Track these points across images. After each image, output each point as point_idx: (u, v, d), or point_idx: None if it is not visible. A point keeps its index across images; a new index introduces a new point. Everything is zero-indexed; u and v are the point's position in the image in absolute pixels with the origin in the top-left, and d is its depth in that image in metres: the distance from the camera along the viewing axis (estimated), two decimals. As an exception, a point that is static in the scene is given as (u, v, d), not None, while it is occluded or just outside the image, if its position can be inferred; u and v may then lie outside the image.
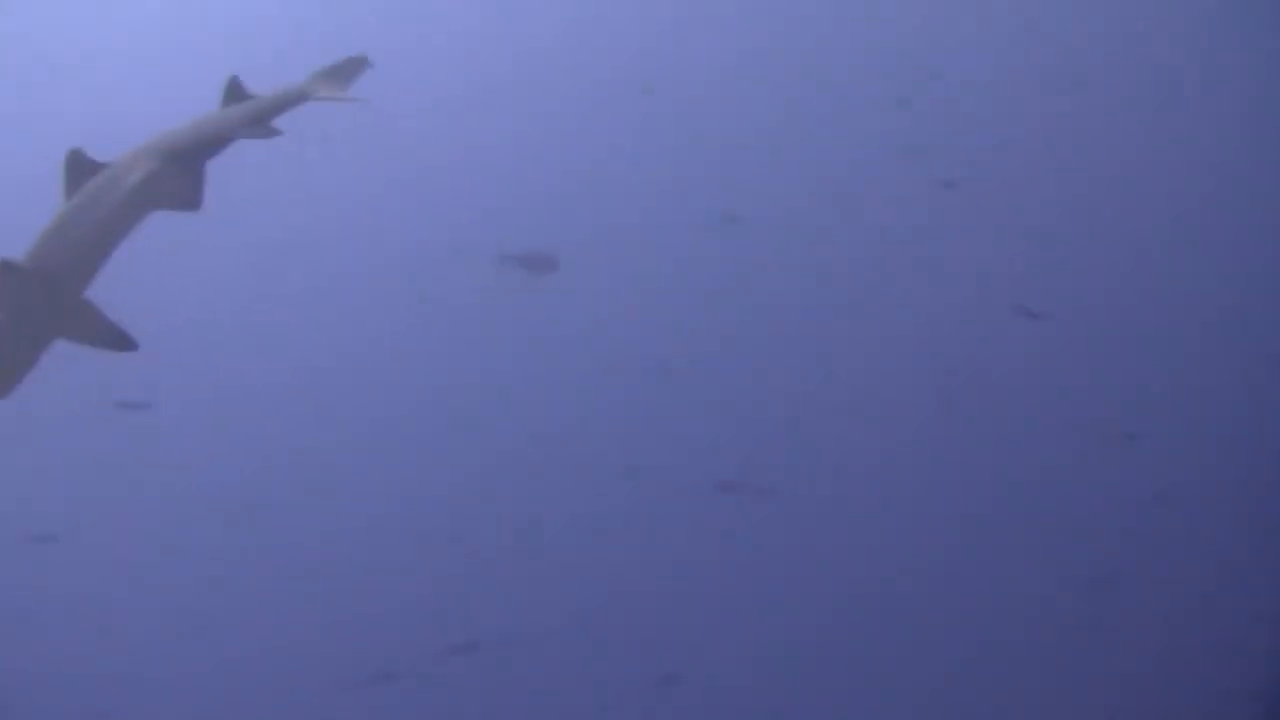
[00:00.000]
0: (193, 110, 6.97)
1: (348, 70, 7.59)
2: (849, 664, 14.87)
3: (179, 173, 6.70)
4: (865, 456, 15.37)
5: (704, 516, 15.44)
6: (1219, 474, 15.44)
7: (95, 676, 14.90)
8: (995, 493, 15.36)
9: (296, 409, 15.82)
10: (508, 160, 16.32)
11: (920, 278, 16.10)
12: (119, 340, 6.77)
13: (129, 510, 15.38)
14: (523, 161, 16.28)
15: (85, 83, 15.29)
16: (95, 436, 15.48)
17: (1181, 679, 14.19)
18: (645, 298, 16.16)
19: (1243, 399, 15.52)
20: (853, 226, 16.25)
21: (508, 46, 16.69)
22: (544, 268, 14.94)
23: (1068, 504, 15.47)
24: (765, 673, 15.01)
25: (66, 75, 15.45)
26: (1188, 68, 16.39)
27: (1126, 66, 16.32)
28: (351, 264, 16.19)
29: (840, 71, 16.32)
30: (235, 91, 7.09)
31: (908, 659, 15.02)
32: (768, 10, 17.07)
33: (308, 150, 15.38)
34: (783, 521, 15.59)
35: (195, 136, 6.84)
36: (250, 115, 6.95)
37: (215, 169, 6.89)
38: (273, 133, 7.00)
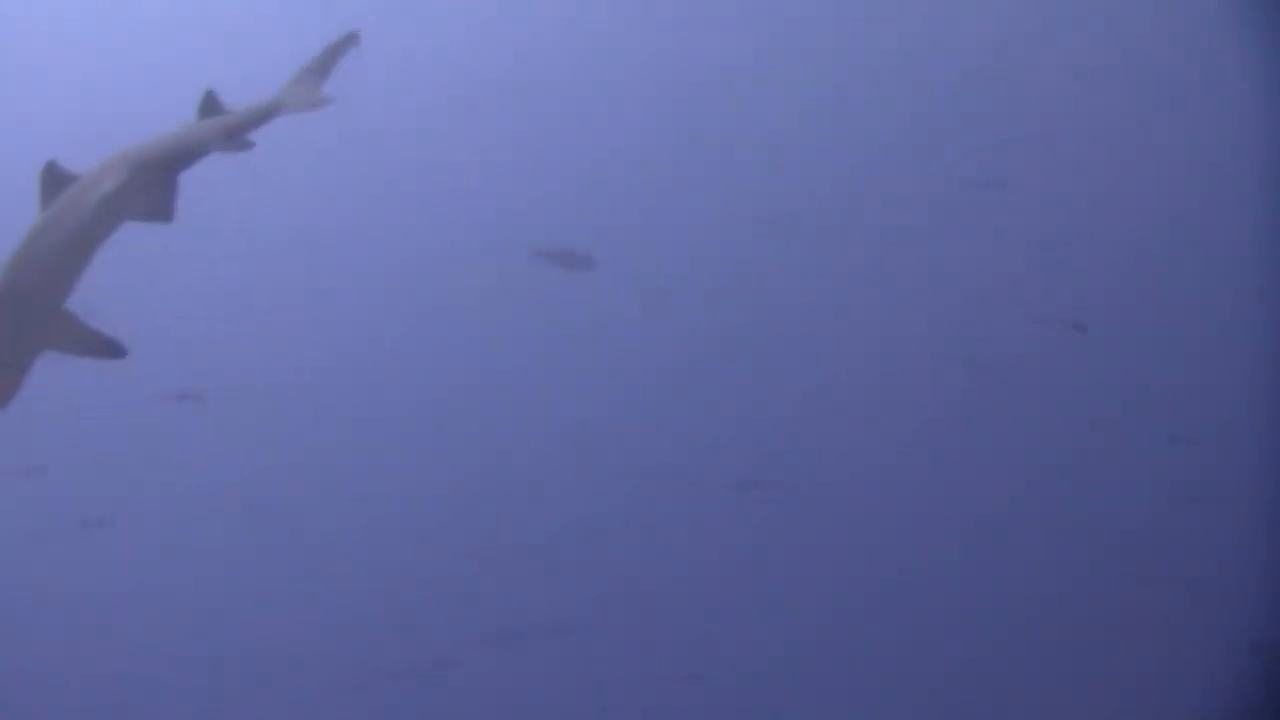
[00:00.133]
0: (169, 119, 7.03)
1: (324, 64, 7.52)
2: (871, 660, 14.91)
3: (150, 183, 6.74)
4: (891, 455, 15.36)
5: (727, 514, 15.53)
6: (1258, 474, 15.26)
7: (137, 659, 15.37)
8: (1026, 494, 15.28)
9: (331, 405, 16.13)
10: (537, 158, 16.44)
11: (953, 277, 16.02)
12: (106, 347, 6.85)
13: (175, 500, 15.81)
14: (551, 159, 16.39)
15: (63, 86, 15.49)
16: (147, 426, 15.93)
17: (1220, 678, 14.06)
18: (668, 296, 16.23)
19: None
20: (883, 226, 16.21)
21: (546, 43, 16.79)
22: (578, 265, 15.06)
23: (1106, 504, 15.37)
24: (789, 668, 15.08)
25: (45, 77, 15.66)
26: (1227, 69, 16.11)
27: (1160, 67, 16.10)
28: (383, 262, 16.43)
29: (876, 71, 16.27)
30: (210, 105, 7.09)
31: (932, 657, 15.00)
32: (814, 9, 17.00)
33: (341, 149, 15.74)
34: (806, 519, 15.63)
35: (168, 148, 6.87)
36: (224, 129, 6.98)
37: (189, 179, 6.94)
38: (247, 146, 7.02)
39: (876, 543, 15.15)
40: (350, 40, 7.58)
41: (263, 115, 7.20)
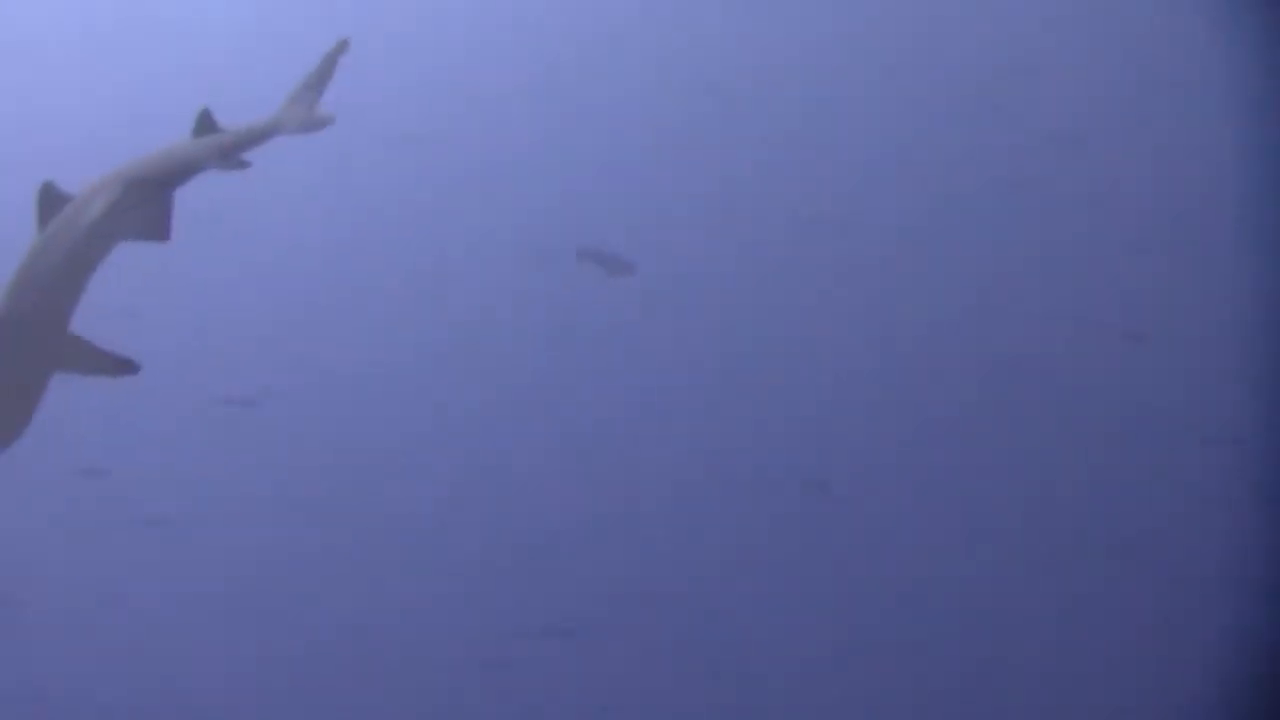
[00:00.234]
0: (164, 137, 6.99)
1: (319, 79, 7.45)
2: (920, 660, 14.87)
3: (144, 202, 6.70)
4: (922, 455, 15.28)
5: (780, 513, 15.55)
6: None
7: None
8: (1061, 498, 15.15)
9: (377, 407, 16.35)
10: (587, 160, 16.49)
11: (1007, 284, 15.87)
12: (117, 365, 6.78)
13: (231, 500, 16.15)
14: (601, 161, 16.44)
15: (61, 104, 15.67)
16: (203, 429, 16.29)
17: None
18: (725, 298, 16.23)
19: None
20: (939, 230, 16.09)
21: (594, 50, 16.85)
22: (619, 269, 15.16)
23: (1147, 506, 15.19)
24: (843, 667, 15.07)
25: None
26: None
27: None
28: (431, 265, 16.59)
29: (924, 73, 16.15)
30: (206, 123, 7.04)
31: (985, 658, 14.92)
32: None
33: (385, 153, 15.91)
34: (862, 521, 15.61)
35: (161, 166, 6.82)
36: (220, 148, 6.94)
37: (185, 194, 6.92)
38: (242, 165, 6.99)
39: (904, 541, 15.11)
40: (341, 49, 7.47)
41: (259, 136, 7.17)
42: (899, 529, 15.27)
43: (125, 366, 6.80)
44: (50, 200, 6.65)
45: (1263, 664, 13.56)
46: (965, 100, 16.11)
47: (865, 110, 16.39)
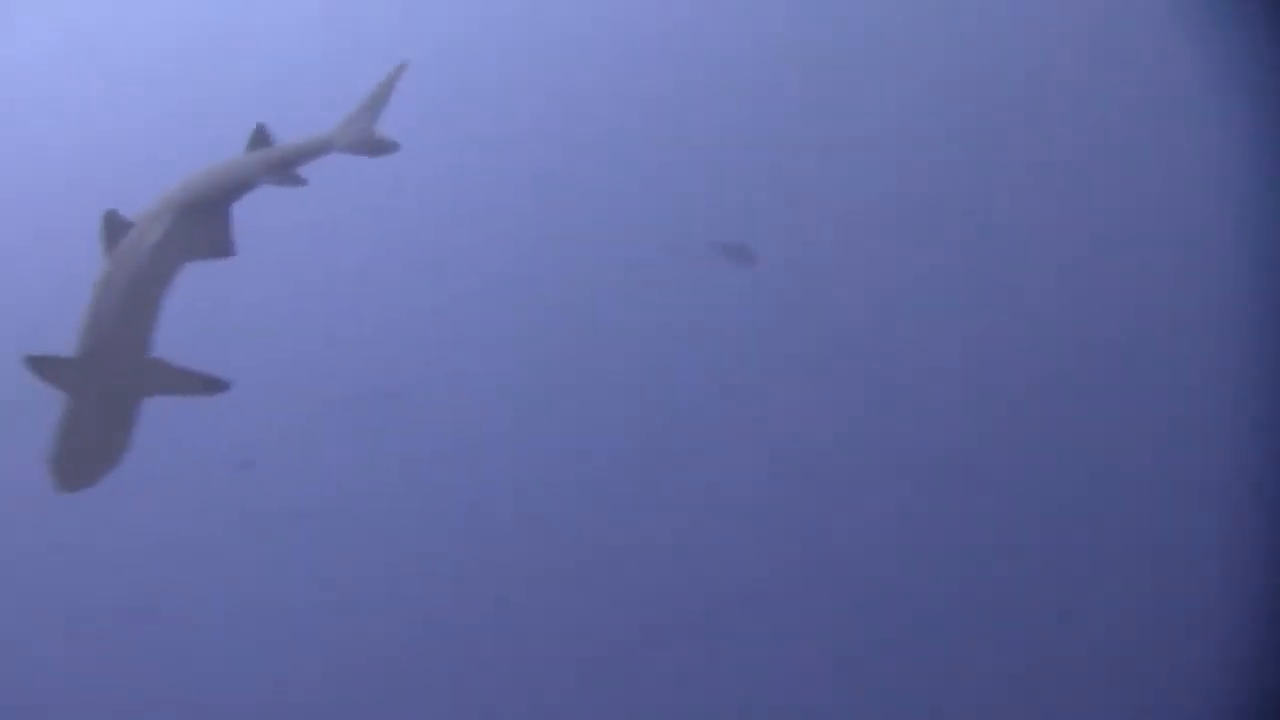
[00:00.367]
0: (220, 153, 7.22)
1: (376, 102, 7.52)
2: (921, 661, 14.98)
3: (200, 223, 6.86)
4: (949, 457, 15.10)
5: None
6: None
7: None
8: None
9: (516, 400, 16.51)
10: (707, 155, 16.41)
11: (1008, 284, 15.56)
12: (205, 385, 6.95)
13: (371, 492, 16.56)
14: (724, 157, 16.35)
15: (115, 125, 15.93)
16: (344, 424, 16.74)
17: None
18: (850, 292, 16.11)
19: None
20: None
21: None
22: (743, 259, 15.15)
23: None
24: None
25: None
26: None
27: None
28: (566, 258, 16.63)
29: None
30: (261, 138, 7.24)
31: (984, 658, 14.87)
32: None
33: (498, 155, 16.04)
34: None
35: (215, 184, 7.00)
36: (272, 162, 7.11)
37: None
38: (296, 181, 7.12)
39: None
40: (398, 74, 7.54)
41: (311, 151, 7.31)
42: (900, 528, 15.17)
43: (214, 385, 6.97)
44: (114, 228, 6.90)
45: (1263, 664, 13.11)
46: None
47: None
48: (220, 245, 7.02)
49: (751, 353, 16.27)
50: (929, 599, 15.85)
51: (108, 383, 6.69)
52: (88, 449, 6.71)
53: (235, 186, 7.09)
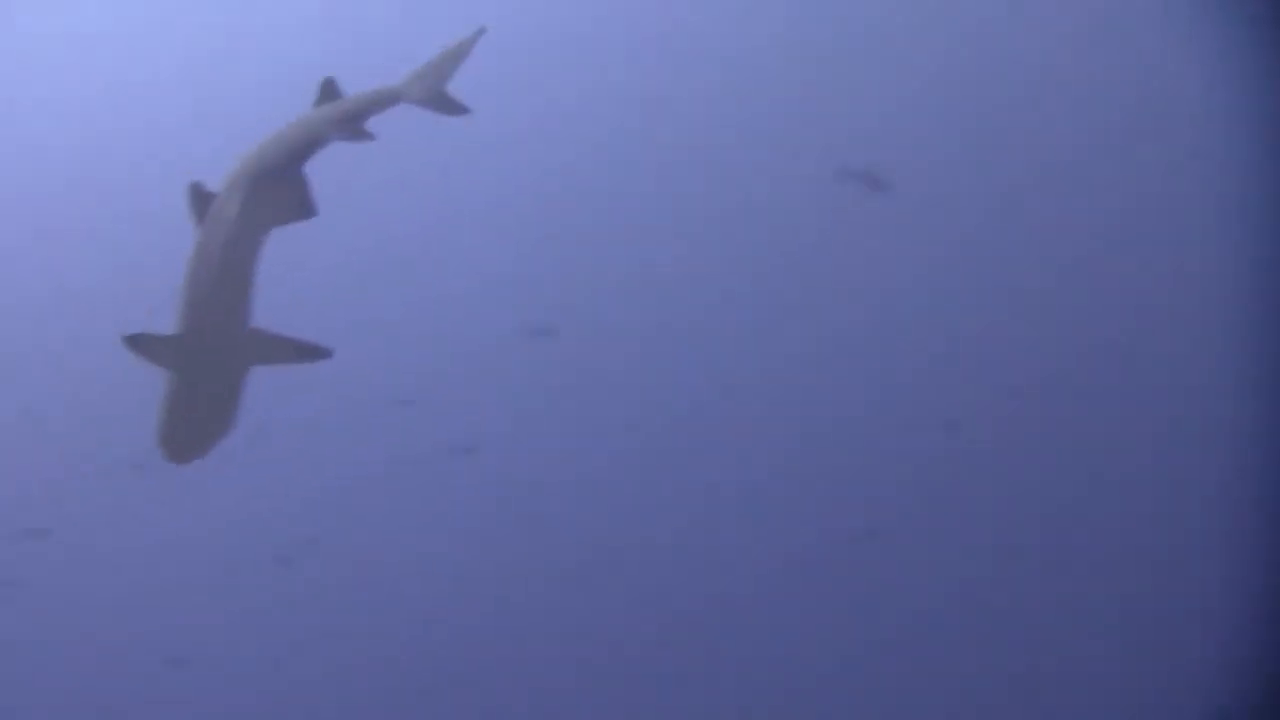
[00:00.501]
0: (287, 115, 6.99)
1: (449, 60, 7.33)
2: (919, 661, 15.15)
3: (276, 188, 6.67)
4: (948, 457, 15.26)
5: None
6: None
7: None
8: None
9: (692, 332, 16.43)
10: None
11: (1007, 285, 15.75)
12: (308, 353, 6.78)
13: (532, 430, 16.50)
14: (724, 157, 16.31)
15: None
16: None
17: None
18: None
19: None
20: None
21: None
22: (877, 186, 15.03)
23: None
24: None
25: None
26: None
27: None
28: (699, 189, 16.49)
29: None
30: (329, 92, 7.06)
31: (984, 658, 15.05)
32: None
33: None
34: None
35: (285, 148, 6.80)
36: (342, 116, 6.91)
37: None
38: (365, 135, 6.96)
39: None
40: (476, 37, 7.36)
41: (380, 102, 7.10)
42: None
43: (316, 353, 6.81)
44: (199, 199, 6.77)
45: (1263, 664, 13.31)
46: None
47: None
48: (301, 208, 6.83)
49: (751, 352, 16.27)
50: (929, 599, 15.93)
51: (210, 357, 6.60)
52: (196, 423, 6.61)
53: (308, 145, 6.89)
